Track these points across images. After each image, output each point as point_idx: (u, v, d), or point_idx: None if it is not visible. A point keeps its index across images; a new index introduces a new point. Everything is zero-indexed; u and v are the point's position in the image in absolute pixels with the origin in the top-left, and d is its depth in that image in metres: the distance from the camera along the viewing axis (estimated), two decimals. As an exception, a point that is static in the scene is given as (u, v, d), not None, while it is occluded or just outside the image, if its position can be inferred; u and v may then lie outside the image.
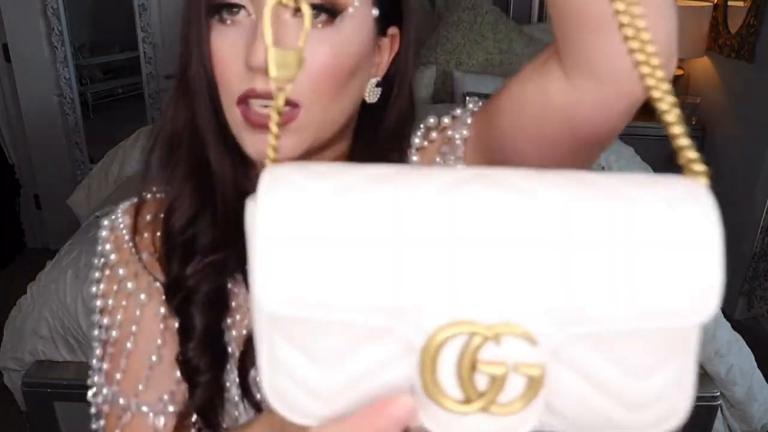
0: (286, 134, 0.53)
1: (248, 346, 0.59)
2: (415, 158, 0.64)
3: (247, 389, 0.59)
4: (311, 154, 0.56)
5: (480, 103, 0.61)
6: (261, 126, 0.52)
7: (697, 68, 2.88)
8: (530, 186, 0.31)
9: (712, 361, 1.53)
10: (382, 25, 0.56)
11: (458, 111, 0.62)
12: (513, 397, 0.29)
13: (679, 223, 0.30)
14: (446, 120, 0.63)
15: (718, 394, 1.55)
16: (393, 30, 0.58)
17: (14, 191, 3.14)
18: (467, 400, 0.30)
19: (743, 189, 2.49)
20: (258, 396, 0.60)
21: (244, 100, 0.52)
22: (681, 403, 0.31)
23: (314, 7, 0.51)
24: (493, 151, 0.57)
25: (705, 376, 1.56)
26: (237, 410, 0.60)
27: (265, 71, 0.48)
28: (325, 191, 0.31)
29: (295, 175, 0.32)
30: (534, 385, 0.29)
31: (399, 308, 0.29)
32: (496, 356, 0.29)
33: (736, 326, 1.61)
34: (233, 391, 0.60)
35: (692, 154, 0.34)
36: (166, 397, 0.60)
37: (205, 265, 0.58)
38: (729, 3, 2.61)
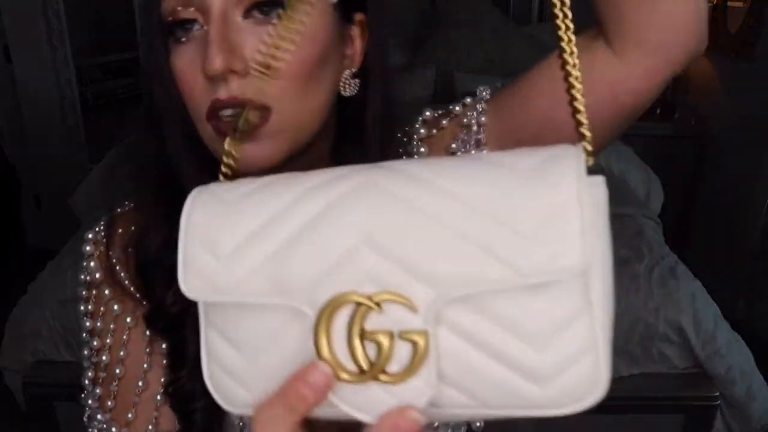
0: (261, 141, 0.51)
1: None
2: (423, 149, 0.63)
3: None
4: (294, 157, 0.55)
5: (489, 90, 0.62)
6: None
7: (697, 68, 2.88)
8: (412, 169, 0.33)
9: (711, 360, 1.53)
10: (345, 13, 0.55)
11: (468, 99, 0.62)
12: (403, 366, 0.30)
13: (545, 181, 0.30)
14: (457, 108, 0.63)
15: (718, 394, 1.55)
16: (360, 16, 0.56)
17: (14, 191, 3.14)
18: (360, 371, 0.31)
19: (743, 189, 2.49)
20: None
21: (213, 114, 0.51)
22: (594, 372, 0.30)
23: (264, 3, 0.50)
24: (522, 129, 0.58)
25: (704, 376, 1.56)
26: (240, 421, 0.60)
27: (223, 78, 0.49)
28: (239, 193, 0.36)
29: (216, 186, 0.38)
30: (419, 352, 0.30)
31: (297, 286, 0.32)
32: (382, 325, 0.31)
33: (736, 326, 1.61)
34: None
35: (582, 119, 0.34)
36: (150, 427, 0.59)
37: (170, 281, 0.56)
38: (728, 3, 2.61)
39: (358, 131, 0.59)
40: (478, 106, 0.61)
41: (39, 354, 1.58)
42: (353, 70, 0.57)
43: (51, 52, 2.89)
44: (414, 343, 0.30)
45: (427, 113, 0.65)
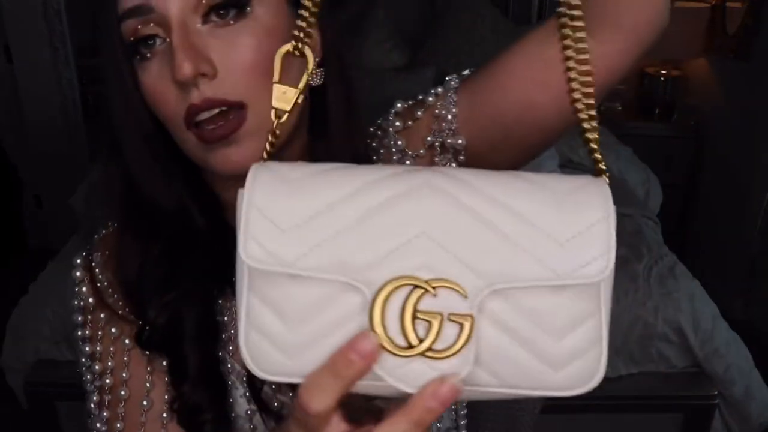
0: (243, 142, 0.53)
1: None
2: (400, 142, 0.64)
3: (262, 402, 0.59)
4: (275, 156, 0.56)
5: (457, 79, 0.63)
6: (216, 139, 0.52)
7: (695, 69, 2.88)
8: (467, 177, 0.38)
9: (710, 360, 1.54)
10: (299, 7, 0.57)
11: (439, 89, 0.63)
12: (448, 345, 0.35)
13: (580, 203, 0.37)
14: (430, 99, 0.63)
15: (716, 393, 1.56)
16: None
17: (16, 191, 3.14)
18: (409, 346, 0.35)
19: (741, 189, 2.50)
20: (276, 404, 0.59)
21: (191, 119, 0.53)
22: (597, 363, 0.37)
23: (220, 6, 0.52)
24: (502, 114, 0.59)
25: (703, 375, 1.56)
26: (251, 423, 0.60)
27: (194, 82, 0.51)
28: (300, 174, 0.39)
29: (275, 165, 0.40)
30: (465, 333, 0.35)
31: (355, 266, 0.36)
32: (433, 307, 0.35)
33: (734, 326, 1.61)
34: (243, 406, 0.60)
35: (598, 156, 0.42)
36: None
37: (166, 302, 0.58)
38: (727, 4, 2.62)
39: (324, 125, 0.60)
40: (448, 96, 0.62)
41: (40, 353, 1.58)
42: (317, 59, 0.58)
43: (52, 53, 2.89)
44: (461, 326, 0.35)
45: (399, 105, 0.66)
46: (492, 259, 0.36)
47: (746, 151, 2.49)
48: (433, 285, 0.35)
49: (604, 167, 0.41)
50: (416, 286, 0.35)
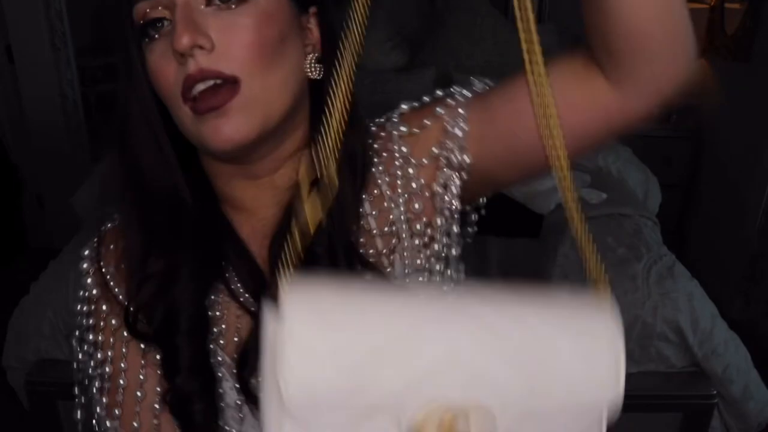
0: (234, 115, 0.55)
1: (243, 353, 0.59)
2: (404, 149, 0.63)
3: (250, 395, 0.60)
4: (269, 142, 0.58)
5: (467, 93, 0.62)
6: (208, 109, 0.55)
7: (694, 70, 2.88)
8: (486, 311, 0.40)
9: (708, 359, 1.55)
10: (301, 4, 0.60)
11: (448, 100, 0.62)
12: None
13: (590, 332, 0.41)
14: (439, 109, 0.62)
15: (715, 392, 1.57)
16: (314, 9, 0.61)
17: (17, 191, 3.15)
18: None
19: (740, 189, 2.51)
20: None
21: (187, 94, 0.55)
22: None
23: None
24: (514, 137, 0.59)
25: (702, 375, 1.57)
26: (240, 413, 0.61)
27: (191, 54, 0.54)
28: (332, 301, 0.40)
29: (306, 290, 0.41)
30: None
31: (386, 391, 0.38)
32: (465, 431, 0.37)
33: (733, 325, 1.62)
34: (233, 397, 0.61)
35: (597, 275, 0.44)
36: None
37: (151, 273, 0.59)
38: (726, 5, 2.63)
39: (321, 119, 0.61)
40: (460, 111, 0.61)
41: (41, 353, 1.59)
42: (317, 55, 0.61)
43: (53, 53, 2.90)
44: None
45: (404, 107, 0.65)
46: (517, 382, 0.39)
47: (745, 152, 2.50)
48: (466, 411, 0.37)
49: (605, 286, 0.44)
50: (449, 413, 0.37)
